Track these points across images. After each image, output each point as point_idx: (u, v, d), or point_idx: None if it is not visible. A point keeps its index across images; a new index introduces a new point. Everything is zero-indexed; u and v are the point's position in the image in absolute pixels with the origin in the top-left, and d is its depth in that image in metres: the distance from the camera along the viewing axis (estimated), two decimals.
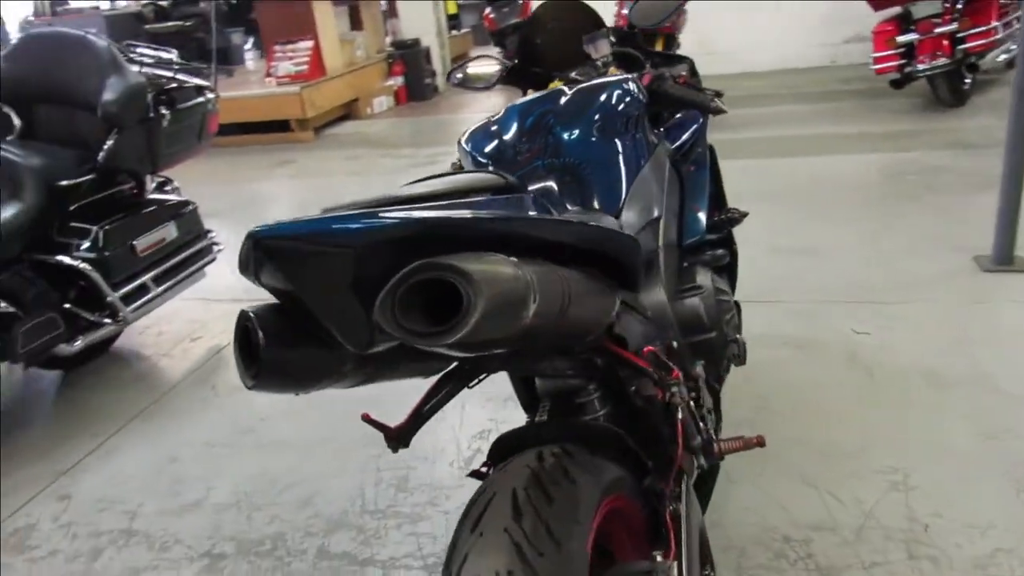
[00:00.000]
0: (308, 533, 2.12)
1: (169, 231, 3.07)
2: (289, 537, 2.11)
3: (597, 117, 1.67)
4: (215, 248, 3.36)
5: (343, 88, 7.92)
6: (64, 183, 2.75)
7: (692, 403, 1.51)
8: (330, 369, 0.90)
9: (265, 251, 0.75)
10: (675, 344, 1.54)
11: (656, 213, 1.65)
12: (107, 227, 2.80)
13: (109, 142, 2.85)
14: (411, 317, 0.79)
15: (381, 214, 0.78)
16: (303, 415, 2.66)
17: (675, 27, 6.05)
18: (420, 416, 1.29)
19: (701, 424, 1.44)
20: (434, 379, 1.29)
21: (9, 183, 2.65)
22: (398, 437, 1.28)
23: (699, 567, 1.34)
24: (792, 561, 1.84)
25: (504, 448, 1.27)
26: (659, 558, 1.20)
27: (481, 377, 1.29)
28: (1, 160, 2.67)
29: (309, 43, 7.61)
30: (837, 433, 2.28)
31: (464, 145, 1.71)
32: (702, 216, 1.81)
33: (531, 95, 1.76)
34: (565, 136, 1.62)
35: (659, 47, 6.01)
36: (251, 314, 0.85)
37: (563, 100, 1.70)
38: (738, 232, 2.09)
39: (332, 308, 0.80)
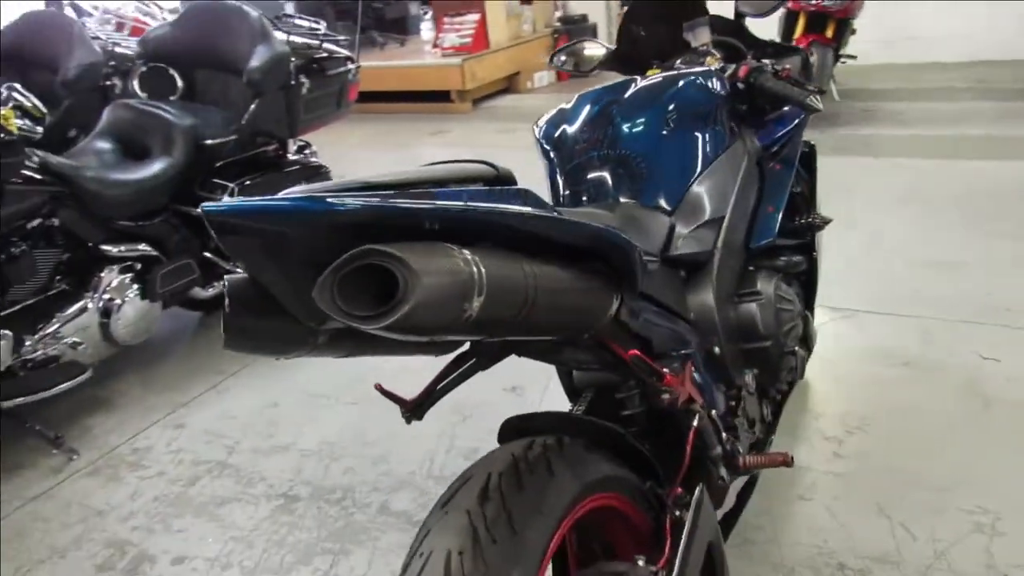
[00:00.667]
0: (375, 488, 2.24)
1: None
2: (358, 490, 2.25)
3: (662, 110, 1.63)
4: None
5: (505, 62, 8.03)
6: (210, 142, 3.01)
7: (723, 412, 1.46)
8: (299, 340, 0.96)
9: (218, 228, 0.81)
10: (717, 349, 1.49)
11: (720, 212, 1.59)
12: (243, 184, 3.05)
13: (252, 106, 3.09)
14: (355, 298, 0.82)
15: (329, 199, 0.82)
16: (402, 379, 2.79)
17: (850, 11, 5.65)
18: (434, 393, 1.34)
19: (725, 435, 1.39)
20: (450, 357, 1.33)
21: (162, 140, 2.95)
22: (412, 409, 1.33)
23: None
24: None
25: (509, 431, 1.29)
26: (641, 562, 1.19)
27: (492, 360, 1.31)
28: (159, 118, 2.96)
29: (476, 16, 7.77)
30: (931, 465, 2.10)
31: (535, 131, 1.73)
32: (775, 219, 1.72)
33: (603, 84, 1.74)
34: (624, 128, 1.60)
35: (830, 32, 5.65)
36: (226, 281, 0.92)
37: (631, 91, 1.67)
38: (877, 237, 1.97)
39: (280, 285, 0.85)
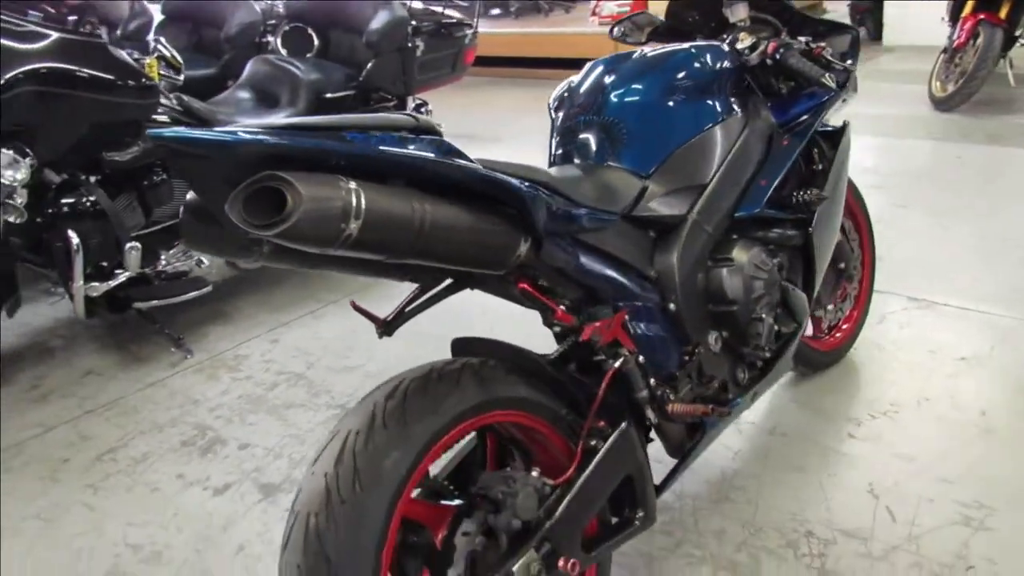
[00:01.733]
0: None
1: None
2: None
3: (654, 79, 1.74)
4: None
5: None
6: (330, 96, 3.38)
7: (667, 363, 1.58)
8: (244, 247, 1.20)
9: (164, 151, 1.07)
10: (672, 307, 1.61)
11: (702, 180, 1.69)
12: None
13: (369, 65, 3.42)
14: (261, 213, 1.06)
15: (241, 133, 1.05)
16: (473, 325, 3.05)
17: None
18: (403, 314, 1.56)
19: (655, 382, 1.51)
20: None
21: (289, 91, 3.34)
22: (384, 327, 1.56)
23: (604, 505, 1.46)
24: (799, 555, 1.80)
25: (458, 348, 1.50)
26: (535, 474, 1.36)
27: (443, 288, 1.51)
28: (288, 72, 3.36)
29: None
30: (945, 459, 2.08)
31: (550, 97, 1.88)
32: (765, 192, 1.78)
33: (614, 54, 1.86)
34: (613, 95, 1.72)
35: (1003, 12, 5.22)
36: (189, 193, 1.19)
37: (630, 60, 1.78)
38: (1000, 233, 1.95)
39: (213, 201, 1.09)
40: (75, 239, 2.64)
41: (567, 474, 1.41)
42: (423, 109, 3.86)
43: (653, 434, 1.66)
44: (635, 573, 1.80)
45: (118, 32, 3.40)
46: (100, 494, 2.26)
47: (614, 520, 1.55)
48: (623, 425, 1.48)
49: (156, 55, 2.79)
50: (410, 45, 3.54)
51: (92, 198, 2.69)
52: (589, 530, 1.53)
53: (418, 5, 3.64)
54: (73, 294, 2.74)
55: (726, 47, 1.85)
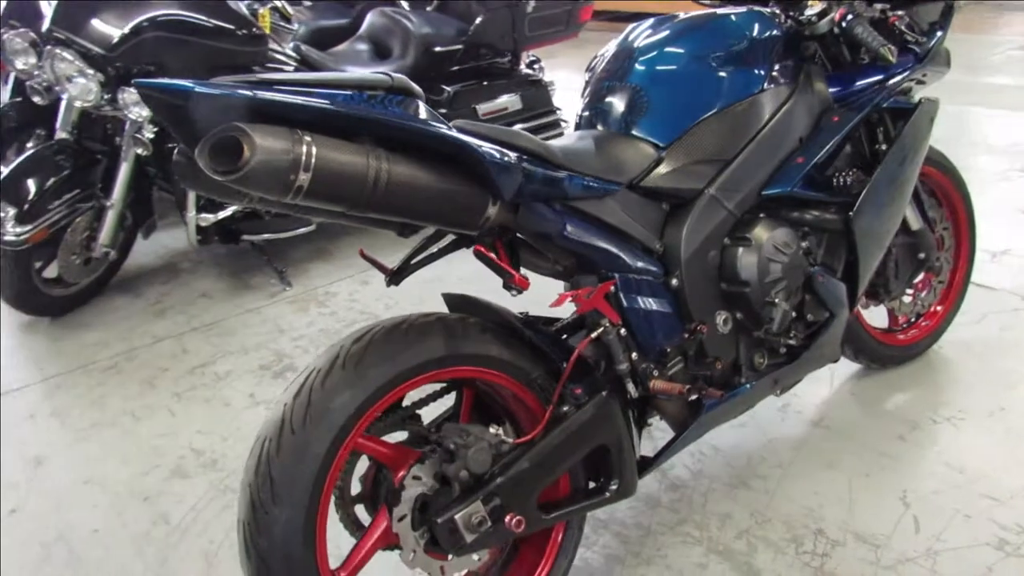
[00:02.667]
0: None
1: (513, 102, 3.64)
2: None
3: (685, 45, 1.67)
4: (561, 124, 3.84)
5: None
6: (438, 49, 3.47)
7: (655, 337, 1.55)
8: (228, 190, 1.31)
9: (144, 99, 1.18)
10: (675, 282, 1.58)
11: (725, 154, 1.63)
12: (456, 89, 3.47)
13: (478, 20, 3.47)
14: (224, 160, 1.15)
15: (204, 87, 1.13)
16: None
17: None
18: (409, 265, 1.62)
19: (637, 355, 1.50)
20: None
21: (401, 43, 3.47)
22: (392, 276, 1.63)
23: (567, 467, 1.48)
24: (800, 551, 1.74)
25: (449, 302, 1.56)
26: (492, 430, 1.40)
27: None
28: (400, 24, 3.48)
29: None
30: (999, 474, 1.91)
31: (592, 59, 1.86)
32: (799, 171, 1.68)
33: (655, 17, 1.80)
34: (639, 60, 1.67)
35: None
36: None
37: (667, 24, 1.72)
38: None
39: (193, 147, 1.20)
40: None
41: (530, 435, 1.45)
42: (535, 66, 3.87)
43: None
44: (627, 543, 1.81)
45: None
46: (183, 402, 2.53)
47: (587, 487, 1.56)
48: (601, 395, 1.49)
49: (270, 6, 2.98)
50: (519, 1, 3.54)
51: None
52: (558, 492, 1.56)
53: None
54: (187, 222, 3.04)
55: (770, 13, 1.74)
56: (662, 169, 1.59)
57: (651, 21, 1.76)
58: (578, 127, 1.74)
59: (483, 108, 3.55)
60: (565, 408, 1.48)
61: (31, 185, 2.83)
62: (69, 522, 2.03)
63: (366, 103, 1.22)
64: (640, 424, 1.67)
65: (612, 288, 1.49)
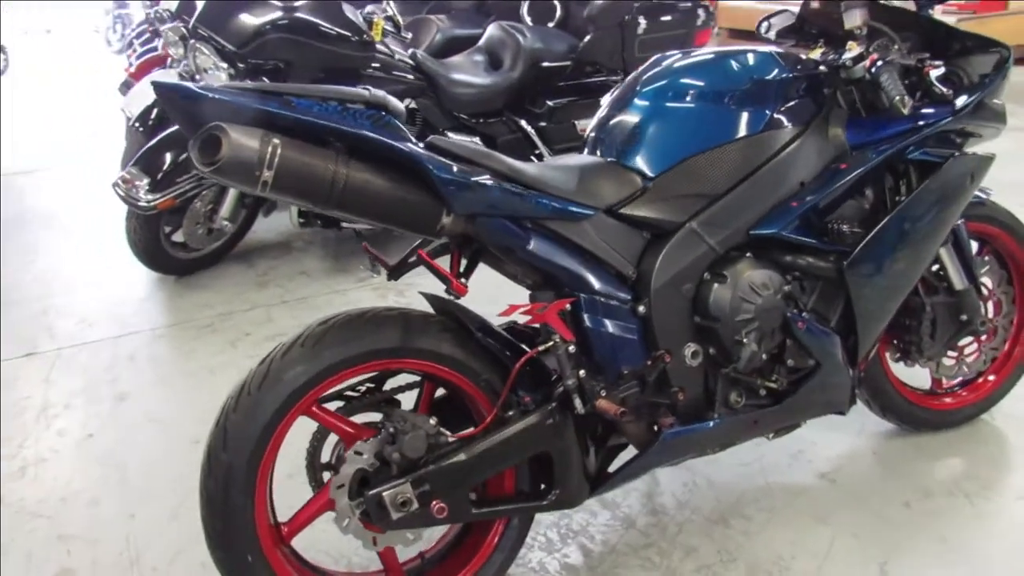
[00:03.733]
0: None
1: None
2: None
3: (689, 82, 1.70)
4: None
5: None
6: (546, 64, 3.61)
7: (612, 361, 1.61)
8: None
9: (157, 94, 1.40)
10: (642, 309, 1.63)
11: (713, 190, 1.66)
12: (557, 104, 3.59)
13: (587, 38, 3.57)
14: (209, 154, 1.35)
15: (203, 90, 1.33)
16: None
17: None
18: (407, 263, 1.75)
19: (585, 373, 1.56)
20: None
21: (511, 57, 3.63)
22: (391, 271, 1.78)
23: (502, 467, 1.58)
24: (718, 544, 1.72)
25: (430, 301, 1.69)
26: (432, 421, 1.52)
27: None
28: (513, 38, 3.64)
29: None
30: (1008, 566, 1.78)
31: None
32: (790, 214, 1.68)
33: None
34: (642, 91, 1.73)
35: None
36: None
37: (680, 59, 1.76)
38: None
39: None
40: None
41: (470, 432, 1.55)
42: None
43: None
44: (588, 556, 1.86)
45: None
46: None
47: (529, 491, 1.65)
48: (547, 406, 1.57)
49: (384, 15, 3.24)
50: (630, 20, 3.60)
51: None
52: (502, 490, 1.65)
53: None
54: (290, 206, 3.36)
55: (780, 56, 1.74)
56: (645, 199, 1.64)
57: (670, 54, 1.81)
58: (582, 151, 1.82)
59: (581, 124, 3.64)
60: (511, 413, 1.58)
61: (167, 159, 3.24)
62: (129, 453, 2.35)
63: (338, 115, 1.38)
64: (601, 441, 1.73)
65: (567, 306, 1.57)
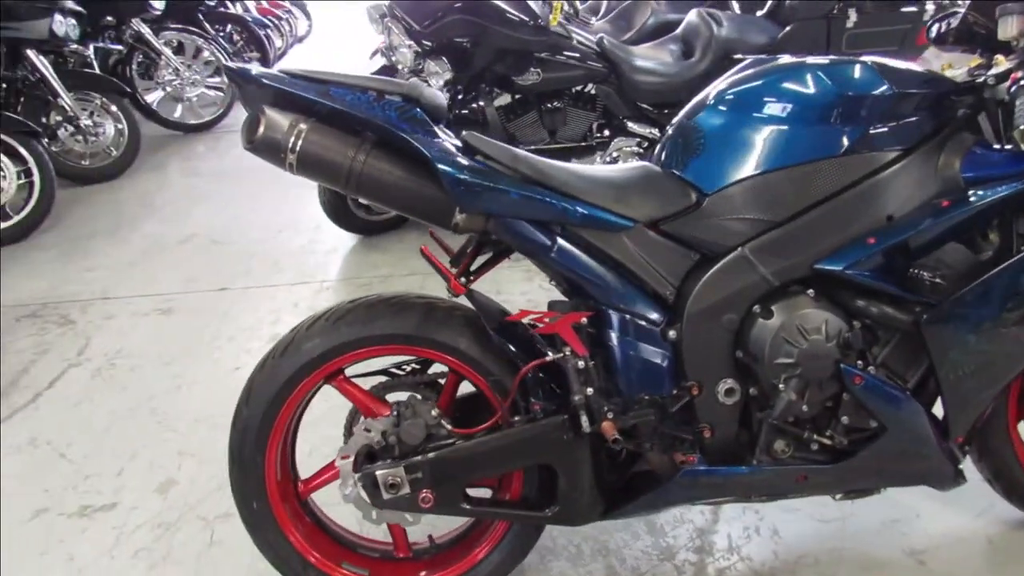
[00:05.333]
0: None
1: None
2: None
3: (762, 93, 1.52)
4: None
5: None
6: (737, 56, 3.37)
7: (631, 385, 1.52)
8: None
9: (228, 77, 1.53)
10: (673, 333, 1.52)
11: (773, 216, 1.49)
12: None
13: (786, 29, 3.28)
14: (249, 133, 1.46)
15: (257, 74, 1.44)
16: None
17: None
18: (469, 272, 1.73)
19: (591, 391, 1.49)
20: None
21: (702, 46, 3.45)
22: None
23: (500, 471, 1.58)
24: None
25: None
26: (434, 413, 1.55)
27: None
28: (707, 27, 3.45)
29: None
30: None
31: None
32: (861, 252, 1.44)
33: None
34: (713, 99, 1.57)
35: None
36: None
37: (762, 67, 1.57)
38: None
39: None
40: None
41: (471, 430, 1.56)
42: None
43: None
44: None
45: None
46: None
47: (531, 499, 1.62)
48: (556, 418, 1.53)
49: (562, 1, 3.23)
50: (836, 13, 3.24)
51: (481, 108, 3.34)
52: (508, 492, 1.64)
53: None
54: None
55: (876, 69, 1.48)
56: (696, 216, 1.51)
57: (751, 62, 1.63)
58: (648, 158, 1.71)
59: None
60: (517, 418, 1.55)
61: None
62: None
63: (369, 105, 1.43)
64: (626, 465, 1.64)
65: (584, 320, 1.50)
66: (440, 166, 1.39)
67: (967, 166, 1.48)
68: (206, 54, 6.57)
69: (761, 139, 1.50)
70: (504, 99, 3.58)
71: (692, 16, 3.61)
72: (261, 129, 1.40)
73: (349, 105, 1.41)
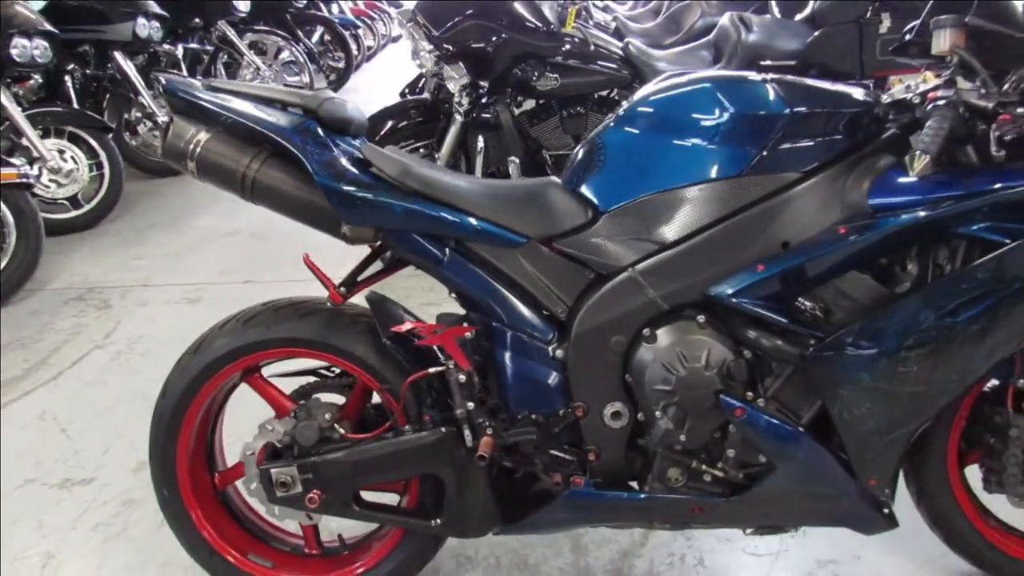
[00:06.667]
0: None
1: None
2: None
3: (663, 109, 1.48)
4: None
5: None
6: (766, 63, 3.25)
7: (518, 402, 1.51)
8: None
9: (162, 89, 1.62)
10: (559, 352, 1.51)
11: (663, 237, 1.45)
12: None
13: (815, 34, 3.14)
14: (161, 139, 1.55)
15: (181, 92, 1.51)
16: None
17: None
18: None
19: (472, 405, 1.49)
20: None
21: (729, 51, 3.34)
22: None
23: (387, 478, 1.61)
24: None
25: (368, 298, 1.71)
26: (327, 416, 1.59)
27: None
28: (731, 32, 3.34)
29: None
30: None
31: None
32: (749, 278, 1.38)
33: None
34: (621, 117, 1.53)
35: None
36: None
37: (669, 82, 1.52)
38: None
39: None
40: (480, 142, 3.38)
41: (362, 436, 1.59)
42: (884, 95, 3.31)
43: None
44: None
45: None
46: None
47: (426, 507, 1.63)
48: (441, 430, 1.54)
49: (576, 7, 3.20)
50: (869, 17, 3.06)
51: (498, 112, 3.35)
52: (408, 500, 1.66)
53: None
54: None
55: (779, 88, 1.41)
56: (588, 234, 1.48)
57: (666, 76, 1.57)
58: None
59: None
60: (407, 427, 1.57)
61: (388, 124, 3.60)
62: None
63: (266, 116, 1.49)
64: (526, 482, 1.63)
65: (468, 334, 1.50)
66: (319, 179, 1.43)
67: (876, 191, 1.39)
68: (286, 54, 6.87)
69: (656, 158, 1.47)
70: (529, 104, 3.59)
71: (724, 20, 3.50)
72: (168, 137, 1.49)
73: (248, 117, 1.47)
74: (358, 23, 9.39)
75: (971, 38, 1.42)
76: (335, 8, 9.63)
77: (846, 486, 1.47)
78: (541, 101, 3.50)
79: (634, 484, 1.58)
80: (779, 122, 1.41)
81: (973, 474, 1.64)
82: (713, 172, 1.42)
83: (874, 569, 1.78)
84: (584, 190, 1.52)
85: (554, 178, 1.61)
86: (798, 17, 3.54)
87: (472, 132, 3.43)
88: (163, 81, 1.53)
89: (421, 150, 3.65)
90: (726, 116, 1.42)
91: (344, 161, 1.48)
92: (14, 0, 4.02)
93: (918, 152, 1.27)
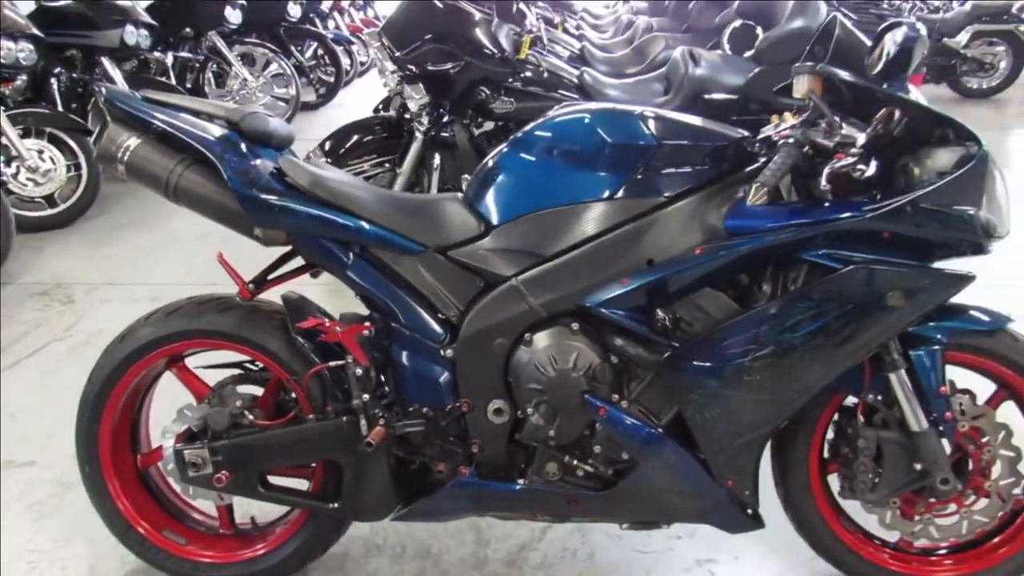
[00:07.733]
0: None
1: None
2: None
3: (551, 136, 1.65)
4: None
5: None
6: (706, 96, 3.41)
7: (414, 395, 1.65)
8: None
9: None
10: (449, 352, 1.64)
11: (542, 251, 1.60)
12: None
13: (752, 73, 3.30)
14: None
15: (118, 101, 1.66)
16: None
17: None
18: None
19: (368, 398, 1.62)
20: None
21: (677, 84, 3.50)
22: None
23: (290, 463, 1.74)
24: None
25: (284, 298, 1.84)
26: (239, 403, 1.72)
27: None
28: (681, 68, 3.50)
29: None
30: None
31: None
32: (614, 290, 1.53)
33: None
34: (517, 139, 1.69)
35: None
36: None
37: (563, 110, 1.69)
38: None
39: None
40: (436, 160, 3.53)
41: (269, 423, 1.72)
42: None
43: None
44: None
45: None
46: None
47: (323, 491, 1.76)
48: (341, 419, 1.67)
49: (531, 36, 3.37)
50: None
51: (455, 132, 3.51)
52: (313, 484, 1.79)
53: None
54: None
55: (648, 120, 1.57)
56: (479, 245, 1.63)
57: (566, 105, 1.74)
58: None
59: None
60: (311, 416, 1.71)
61: (353, 138, 3.75)
62: None
63: (192, 127, 1.64)
64: (422, 471, 1.76)
65: (366, 332, 1.64)
66: (232, 185, 1.57)
67: (732, 216, 1.54)
68: (274, 66, 7.04)
69: (541, 179, 1.62)
70: (489, 125, 3.74)
71: (676, 54, 3.67)
72: (102, 141, 1.63)
73: (175, 127, 1.62)
74: (352, 39, 9.56)
75: (828, 83, 1.59)
76: (331, 24, 9.83)
77: (708, 486, 1.61)
78: (500, 123, 3.65)
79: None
80: (648, 152, 1.57)
81: (835, 482, 1.78)
82: (584, 194, 1.58)
83: (749, 570, 1.91)
84: (479, 205, 1.67)
85: (458, 194, 1.76)
86: (747, 54, 3.72)
87: (430, 150, 3.59)
88: (103, 91, 1.68)
89: (385, 165, 3.79)
90: (601, 145, 1.58)
91: (259, 170, 1.63)
92: (1, 3, 4.18)
93: (756, 183, 1.43)
